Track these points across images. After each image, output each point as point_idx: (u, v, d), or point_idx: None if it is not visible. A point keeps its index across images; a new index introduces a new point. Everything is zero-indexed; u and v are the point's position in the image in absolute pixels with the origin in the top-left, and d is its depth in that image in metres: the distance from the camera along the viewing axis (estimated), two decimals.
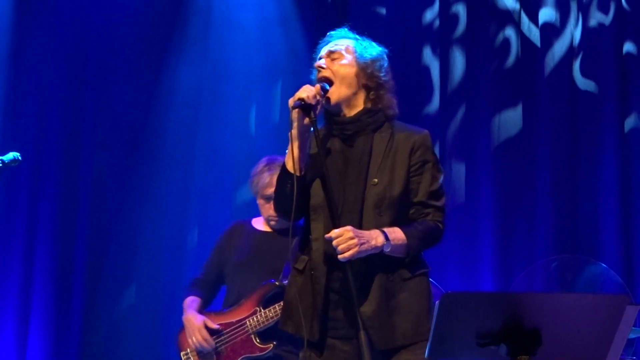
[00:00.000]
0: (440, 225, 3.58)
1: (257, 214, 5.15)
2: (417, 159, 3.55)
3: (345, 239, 3.35)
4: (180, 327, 5.05)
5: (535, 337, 2.82)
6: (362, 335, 3.36)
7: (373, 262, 3.44)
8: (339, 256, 3.36)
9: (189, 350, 4.98)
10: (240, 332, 4.89)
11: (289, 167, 3.51)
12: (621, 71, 6.35)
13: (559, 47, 6.45)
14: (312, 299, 3.50)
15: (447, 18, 6.57)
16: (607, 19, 6.38)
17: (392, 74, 3.69)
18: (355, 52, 3.60)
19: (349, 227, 3.37)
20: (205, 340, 4.89)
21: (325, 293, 3.49)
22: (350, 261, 3.37)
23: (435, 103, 6.55)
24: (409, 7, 6.65)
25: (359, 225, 3.45)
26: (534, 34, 6.49)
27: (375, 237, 3.40)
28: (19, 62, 6.35)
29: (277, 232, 5.02)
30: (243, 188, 6.11)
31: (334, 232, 3.37)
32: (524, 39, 6.49)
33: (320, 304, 3.49)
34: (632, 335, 5.04)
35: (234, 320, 4.92)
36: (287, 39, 6.66)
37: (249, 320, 4.89)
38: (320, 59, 3.62)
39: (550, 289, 5.90)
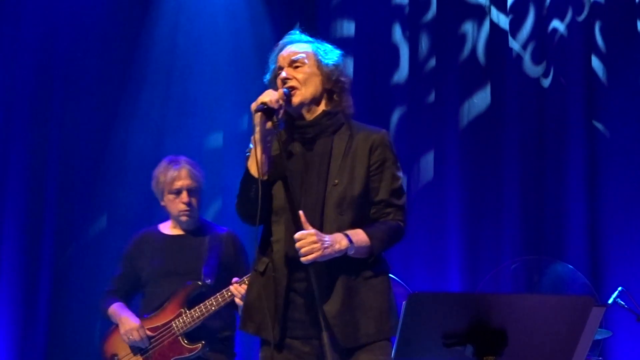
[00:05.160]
0: (401, 224, 3.61)
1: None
2: (376, 158, 3.58)
3: (309, 242, 3.38)
4: (104, 335, 5.04)
5: (502, 337, 2.82)
6: (325, 335, 3.40)
7: (335, 262, 3.46)
8: (302, 259, 3.39)
9: (119, 355, 4.95)
10: (167, 335, 4.89)
11: (253, 171, 3.53)
12: (589, 69, 6.39)
13: (526, 41, 6.48)
14: (274, 300, 3.52)
15: (417, 3, 6.59)
16: (581, 15, 6.43)
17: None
18: (317, 58, 3.63)
19: (313, 231, 3.40)
20: (144, 339, 4.87)
21: (287, 294, 3.52)
22: (311, 264, 3.40)
23: (403, 81, 6.55)
24: None
25: (320, 226, 3.48)
26: (503, 23, 6.51)
27: (338, 241, 3.43)
28: None
29: (188, 233, 5.01)
30: (210, 191, 6.07)
31: (298, 235, 3.40)
32: (493, 27, 6.52)
33: (282, 305, 3.52)
34: (598, 337, 5.07)
35: (159, 324, 4.91)
36: (255, 33, 6.65)
37: (175, 322, 4.88)
38: (280, 68, 3.63)
39: (517, 289, 5.92)
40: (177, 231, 5.09)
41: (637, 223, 6.19)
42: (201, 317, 4.82)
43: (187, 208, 4.97)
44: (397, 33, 6.62)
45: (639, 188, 6.25)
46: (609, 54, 6.41)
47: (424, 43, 6.59)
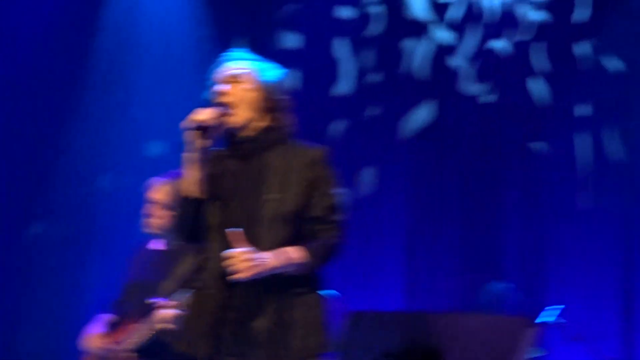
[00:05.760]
0: (338, 240, 3.57)
1: None
2: (314, 174, 3.54)
3: (243, 261, 3.35)
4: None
5: (438, 356, 2.84)
6: (258, 352, 3.39)
7: (268, 278, 3.43)
8: (234, 277, 3.36)
9: None
10: (120, 351, 4.86)
11: (188, 190, 3.50)
12: (527, 90, 6.48)
13: (466, 58, 6.55)
14: (207, 317, 3.49)
15: (362, 16, 6.63)
16: (521, 35, 6.51)
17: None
18: (258, 76, 3.60)
19: (247, 249, 3.37)
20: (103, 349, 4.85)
21: (221, 311, 3.49)
22: (242, 282, 3.39)
23: (346, 94, 6.58)
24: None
25: (256, 242, 3.44)
26: (445, 39, 6.57)
27: (273, 259, 3.41)
28: None
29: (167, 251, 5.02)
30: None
31: (230, 253, 3.38)
32: (434, 43, 6.58)
33: (215, 323, 3.48)
34: (533, 355, 5.12)
35: (116, 340, 4.88)
36: (199, 43, 6.64)
37: (129, 339, 4.85)
38: (220, 84, 3.60)
39: (455, 307, 5.96)
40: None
41: (574, 241, 6.26)
42: (152, 334, 4.78)
43: None
44: (341, 47, 6.65)
45: (576, 207, 6.33)
46: (550, 74, 6.49)
47: (367, 57, 6.63)
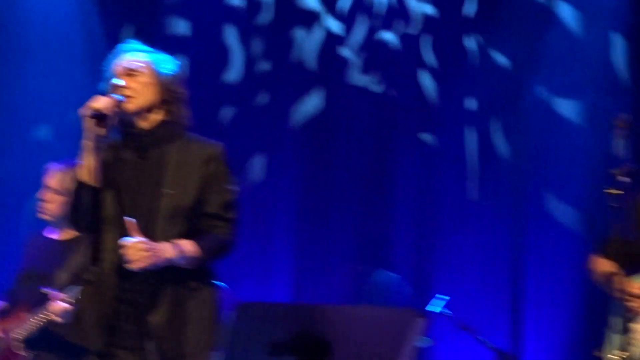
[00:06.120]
0: (232, 237, 3.63)
1: None
2: (210, 170, 3.60)
3: (137, 250, 3.38)
4: None
5: (326, 348, 2.85)
6: (151, 344, 3.40)
7: (163, 272, 3.47)
8: (129, 266, 3.39)
9: None
10: (8, 340, 4.75)
11: (85, 178, 3.48)
12: (417, 82, 6.54)
13: (356, 49, 6.57)
14: (101, 309, 3.51)
15: (253, 4, 6.59)
16: (411, 28, 6.56)
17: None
18: (154, 68, 3.63)
19: (142, 239, 3.40)
20: None
21: (115, 303, 3.51)
22: (140, 272, 3.41)
23: (236, 82, 6.53)
24: None
25: (151, 235, 3.47)
26: (335, 29, 6.57)
27: (168, 250, 3.44)
28: None
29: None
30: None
31: (127, 242, 3.39)
32: (325, 33, 6.56)
33: (109, 315, 3.50)
34: (420, 345, 5.17)
35: (5, 328, 4.77)
36: (86, 27, 6.51)
37: (19, 329, 4.74)
38: (116, 75, 3.61)
39: (345, 298, 5.98)
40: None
41: (462, 233, 6.35)
42: (40, 325, 4.67)
43: None
44: (231, 34, 6.60)
45: (465, 199, 6.43)
46: (438, 67, 6.56)
47: (258, 45, 6.59)
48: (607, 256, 4.00)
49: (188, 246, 3.49)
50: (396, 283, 5.77)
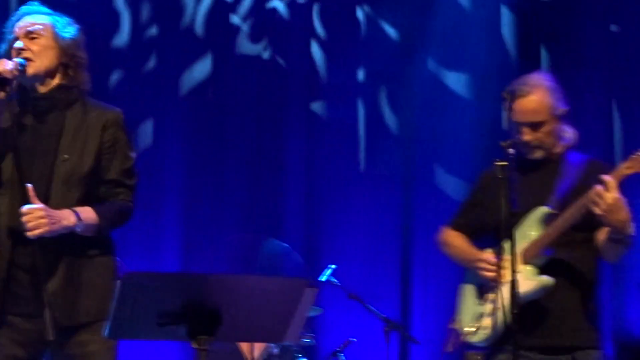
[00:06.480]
0: (130, 204, 3.65)
1: None
2: (108, 137, 3.59)
3: (36, 217, 3.35)
4: None
5: (215, 317, 2.84)
6: (47, 312, 3.36)
7: (60, 239, 3.44)
8: (28, 233, 3.35)
9: None
10: None
11: None
12: (308, 52, 6.51)
13: (245, 16, 6.51)
14: None
15: None
16: None
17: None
18: (55, 31, 3.61)
19: (41, 206, 3.37)
20: None
21: (9, 269, 3.46)
22: (37, 238, 3.37)
23: (123, 46, 6.42)
24: None
25: (47, 201, 3.45)
26: None
27: (67, 217, 3.42)
28: None
29: None
30: None
31: (25, 209, 3.35)
32: (217, 1, 6.51)
33: (4, 281, 3.45)
34: (310, 314, 5.19)
35: None
36: None
37: None
38: (16, 38, 3.57)
39: (234, 267, 5.96)
40: None
41: (351, 204, 6.39)
42: None
43: None
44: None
45: (353, 169, 6.46)
46: (327, 37, 6.55)
47: (145, 10, 6.48)
48: (457, 228, 4.06)
49: (87, 212, 3.48)
50: (286, 252, 5.77)
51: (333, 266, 5.56)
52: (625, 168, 3.63)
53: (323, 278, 5.49)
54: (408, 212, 6.40)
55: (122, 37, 6.44)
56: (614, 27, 6.24)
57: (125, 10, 6.47)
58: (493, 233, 3.86)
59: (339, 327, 6.09)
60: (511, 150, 3.65)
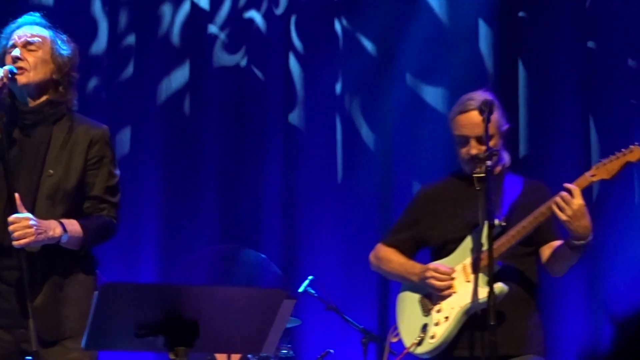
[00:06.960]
0: (114, 220, 3.70)
1: None
2: (94, 153, 3.63)
3: (22, 227, 3.37)
4: None
5: (193, 328, 2.84)
6: (31, 322, 3.37)
7: (44, 253, 3.48)
8: (14, 243, 3.37)
9: None
10: None
11: None
12: (285, 64, 6.51)
13: (221, 26, 6.50)
14: None
15: None
16: (278, 8, 6.52)
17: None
18: (53, 47, 3.64)
19: (28, 215, 3.39)
20: None
21: None
22: (22, 250, 3.39)
23: (100, 54, 6.42)
24: None
25: (32, 215, 3.46)
26: (203, 4, 6.50)
27: (53, 228, 3.45)
28: None
29: None
30: None
31: (12, 217, 3.38)
32: (193, 8, 6.49)
33: None
34: (288, 325, 5.18)
35: None
36: None
37: None
38: (14, 46, 3.60)
39: (212, 278, 5.94)
40: None
41: (326, 214, 6.37)
42: None
43: None
44: (97, 6, 6.46)
45: (330, 181, 6.45)
46: (304, 49, 6.55)
47: (123, 18, 6.46)
48: (392, 244, 4.13)
49: (73, 225, 3.51)
50: (264, 263, 5.76)
51: (311, 277, 5.56)
52: (590, 176, 3.79)
53: (301, 289, 5.48)
54: (386, 224, 6.39)
55: (100, 44, 6.42)
56: (590, 44, 6.28)
57: (103, 18, 6.45)
58: (435, 248, 3.99)
59: (317, 338, 6.08)
60: (488, 162, 3.73)
